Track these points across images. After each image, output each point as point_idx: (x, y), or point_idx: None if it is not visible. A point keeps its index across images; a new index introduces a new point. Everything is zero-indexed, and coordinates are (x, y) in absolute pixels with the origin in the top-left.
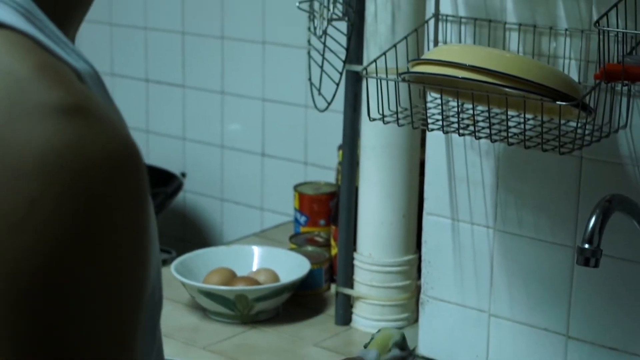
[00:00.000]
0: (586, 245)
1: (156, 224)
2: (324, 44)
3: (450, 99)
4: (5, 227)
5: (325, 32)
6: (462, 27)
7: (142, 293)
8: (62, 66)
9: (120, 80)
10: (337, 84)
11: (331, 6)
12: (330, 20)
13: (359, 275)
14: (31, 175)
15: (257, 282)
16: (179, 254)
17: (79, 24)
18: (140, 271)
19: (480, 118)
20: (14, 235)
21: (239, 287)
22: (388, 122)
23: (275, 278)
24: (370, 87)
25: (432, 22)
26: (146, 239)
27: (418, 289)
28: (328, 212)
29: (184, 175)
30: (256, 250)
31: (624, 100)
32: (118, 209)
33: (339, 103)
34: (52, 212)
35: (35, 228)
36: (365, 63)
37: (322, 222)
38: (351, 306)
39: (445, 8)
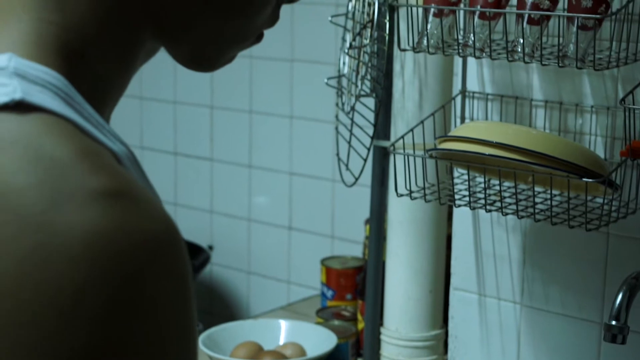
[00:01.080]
0: (613, 322)
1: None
2: (352, 119)
3: (477, 174)
4: (55, 318)
5: (353, 108)
6: (489, 104)
7: None
8: (102, 149)
9: (149, 153)
10: (365, 160)
11: (359, 83)
12: (358, 97)
13: (386, 350)
14: (77, 261)
15: (283, 356)
16: (206, 327)
17: (114, 105)
18: (186, 351)
19: (507, 194)
20: (64, 326)
21: None
22: (415, 198)
23: (302, 352)
24: (397, 163)
25: (459, 99)
26: (191, 318)
27: None
28: (355, 286)
29: (211, 248)
30: (283, 324)
31: None
32: (163, 289)
33: (366, 177)
34: (99, 297)
35: (84, 316)
36: (392, 139)
37: (348, 296)
38: None
39: (472, 85)
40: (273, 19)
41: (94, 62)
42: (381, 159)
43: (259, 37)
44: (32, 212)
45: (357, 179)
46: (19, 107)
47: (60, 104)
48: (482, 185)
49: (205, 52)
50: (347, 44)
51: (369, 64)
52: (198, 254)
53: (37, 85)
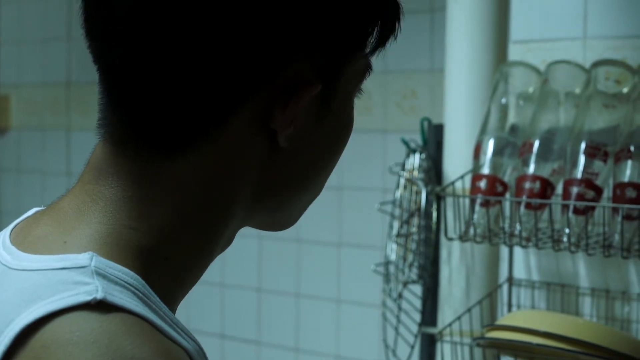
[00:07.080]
0: None
1: None
2: (399, 306)
3: None
4: None
5: (400, 295)
6: (535, 292)
7: None
8: (176, 348)
9: (196, 336)
10: (412, 346)
11: (406, 270)
12: (405, 284)
13: None
14: None
15: None
16: None
17: (183, 296)
18: None
19: None
20: None
21: None
22: None
23: None
24: (444, 350)
25: (505, 286)
26: None
27: None
28: None
29: None
30: None
31: None
32: None
33: None
34: None
35: None
36: (439, 326)
37: None
38: None
39: (519, 272)
40: None
41: (175, 263)
42: (428, 345)
43: None
44: None
45: None
46: (100, 306)
47: (138, 305)
48: None
49: (288, 217)
50: (395, 232)
51: (416, 252)
52: None
53: (117, 285)
